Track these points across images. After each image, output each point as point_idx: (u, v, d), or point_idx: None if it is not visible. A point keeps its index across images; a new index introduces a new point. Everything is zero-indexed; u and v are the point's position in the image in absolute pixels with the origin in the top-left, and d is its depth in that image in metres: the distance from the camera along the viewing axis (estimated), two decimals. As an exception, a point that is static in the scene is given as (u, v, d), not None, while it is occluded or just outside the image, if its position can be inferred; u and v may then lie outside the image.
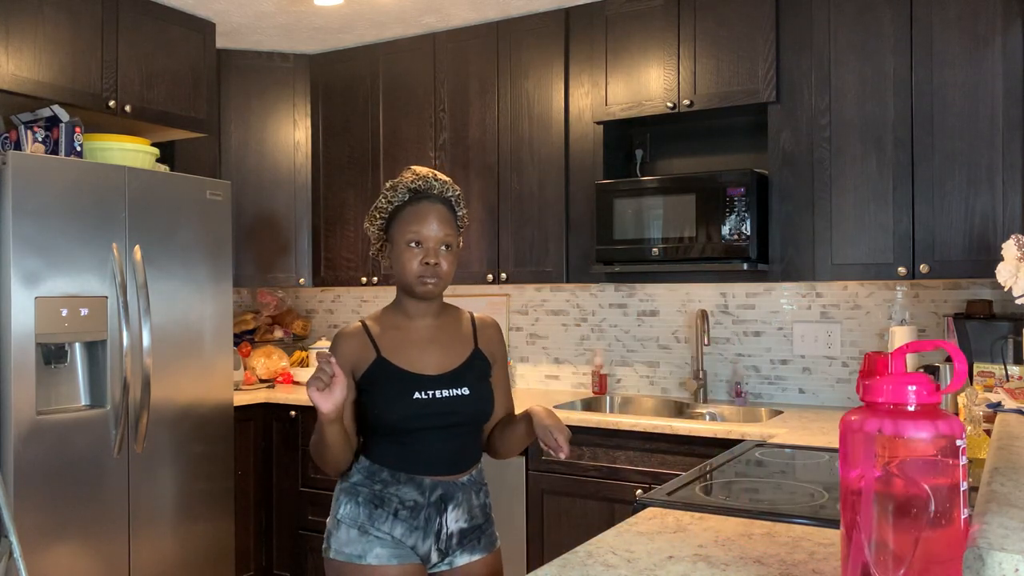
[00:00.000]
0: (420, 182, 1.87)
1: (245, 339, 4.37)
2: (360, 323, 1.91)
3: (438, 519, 1.84)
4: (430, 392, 1.83)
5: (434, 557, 1.85)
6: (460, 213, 1.93)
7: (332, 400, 1.68)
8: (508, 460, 3.23)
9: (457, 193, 1.92)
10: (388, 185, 1.90)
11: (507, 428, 1.96)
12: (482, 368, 1.93)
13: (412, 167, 1.92)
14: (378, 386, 1.84)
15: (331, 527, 1.87)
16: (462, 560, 1.88)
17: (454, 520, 1.85)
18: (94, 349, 3.03)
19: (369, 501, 1.83)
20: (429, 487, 1.83)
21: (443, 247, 1.85)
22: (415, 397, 1.82)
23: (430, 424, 1.82)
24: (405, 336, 1.89)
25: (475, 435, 1.92)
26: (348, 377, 1.86)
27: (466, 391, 1.86)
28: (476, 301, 4.09)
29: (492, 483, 3.20)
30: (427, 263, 1.83)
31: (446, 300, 2.02)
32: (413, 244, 1.83)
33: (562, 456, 1.78)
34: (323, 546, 1.88)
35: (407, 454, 1.83)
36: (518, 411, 2.00)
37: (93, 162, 3.03)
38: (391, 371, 1.84)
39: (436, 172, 1.91)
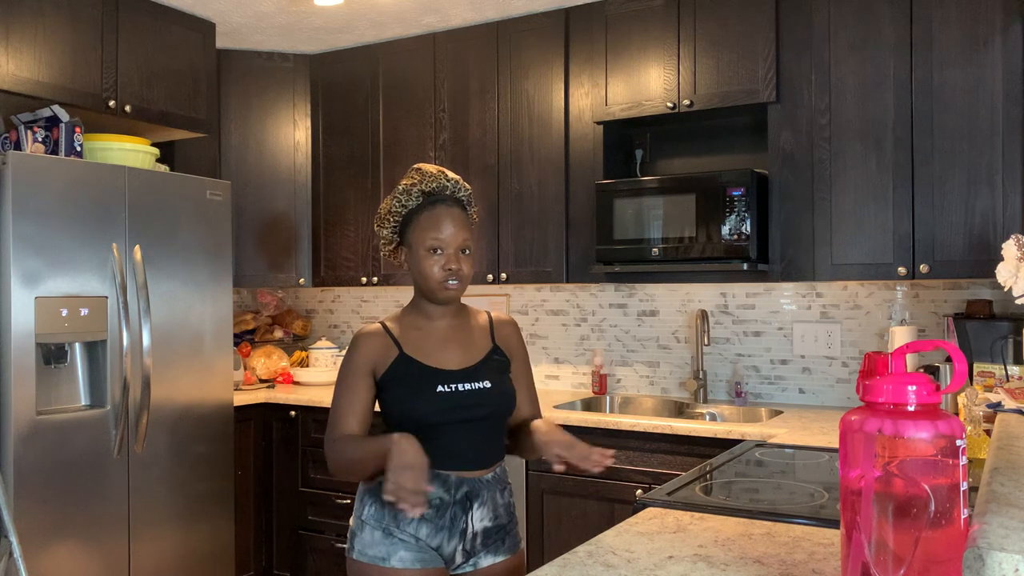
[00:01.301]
0: (433, 184, 1.88)
1: (245, 339, 4.37)
2: (379, 324, 1.93)
3: (464, 517, 1.83)
4: (452, 386, 1.84)
5: (459, 558, 1.84)
6: (471, 211, 1.96)
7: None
8: (508, 460, 3.22)
9: (468, 192, 1.94)
10: (400, 189, 1.89)
11: (526, 434, 1.93)
12: (501, 364, 1.95)
13: (419, 166, 1.91)
14: (401, 382, 1.85)
15: (355, 528, 1.87)
16: (486, 561, 1.87)
17: (479, 519, 1.85)
18: (94, 349, 3.03)
19: (388, 504, 1.82)
20: (455, 484, 1.83)
21: (463, 251, 1.87)
22: (438, 391, 1.83)
23: (454, 418, 1.83)
24: (425, 335, 1.91)
25: (498, 431, 1.92)
26: (369, 376, 1.87)
27: (487, 384, 1.87)
28: (476, 301, 4.09)
29: (492, 483, 3.21)
30: (449, 269, 1.84)
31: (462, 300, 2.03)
32: (434, 251, 1.85)
33: (559, 468, 1.76)
34: (347, 546, 1.88)
35: (432, 450, 1.82)
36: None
37: (93, 162, 3.03)
38: (413, 367, 1.86)
39: (444, 170, 1.91)
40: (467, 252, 1.88)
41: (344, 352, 4.38)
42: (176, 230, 3.28)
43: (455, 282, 1.85)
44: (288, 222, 4.20)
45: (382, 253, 1.98)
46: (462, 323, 1.96)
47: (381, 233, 1.94)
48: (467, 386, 1.86)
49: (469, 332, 1.95)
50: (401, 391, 1.84)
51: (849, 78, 3.00)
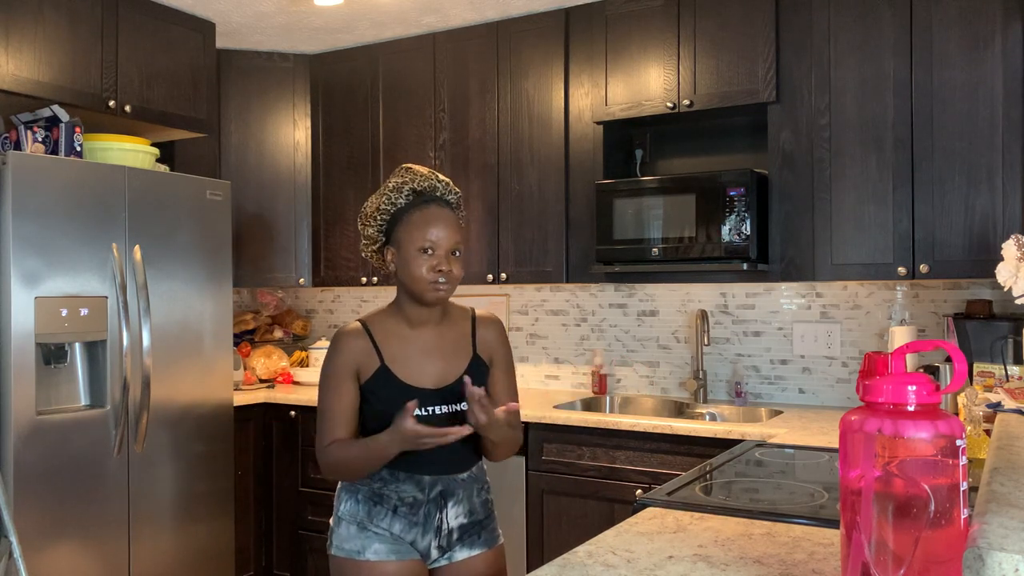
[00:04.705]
0: (424, 184, 1.84)
1: (245, 339, 4.37)
2: (360, 324, 1.87)
3: (438, 515, 1.84)
4: (429, 408, 1.82)
5: (434, 553, 1.85)
6: (461, 214, 1.92)
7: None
8: (508, 460, 3.22)
9: (458, 195, 1.90)
10: (391, 186, 1.85)
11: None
12: (481, 376, 1.91)
13: (408, 166, 1.87)
14: (379, 397, 1.83)
15: (333, 524, 1.88)
16: (461, 555, 1.87)
17: (454, 516, 1.86)
18: (94, 349, 3.03)
19: (368, 498, 1.84)
20: (428, 484, 1.84)
21: (453, 252, 1.83)
22: (415, 414, 1.80)
23: None
24: (406, 343, 1.86)
25: (475, 439, 1.91)
26: (353, 379, 1.84)
27: (464, 406, 1.83)
28: (476, 301, 4.09)
29: (492, 483, 3.20)
30: (440, 270, 1.80)
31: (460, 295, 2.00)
32: (425, 251, 1.80)
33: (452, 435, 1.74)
34: (327, 543, 1.89)
35: (406, 457, 1.83)
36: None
37: (93, 162, 3.03)
38: (393, 383, 1.83)
39: (435, 172, 1.88)
40: (458, 254, 1.84)
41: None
42: (176, 230, 3.28)
43: (444, 283, 1.81)
44: (288, 222, 4.20)
45: (364, 254, 1.92)
46: (444, 331, 1.90)
47: (366, 232, 1.88)
48: (444, 408, 1.83)
49: (451, 340, 1.90)
50: (379, 407, 1.82)
51: (849, 78, 3.00)
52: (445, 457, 1.85)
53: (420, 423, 1.74)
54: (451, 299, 2.01)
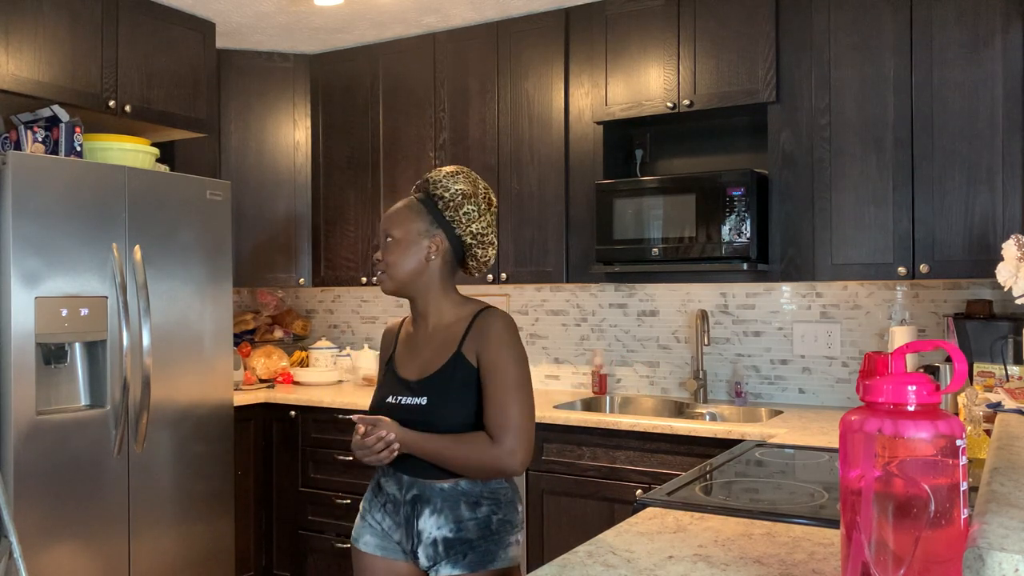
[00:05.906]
0: (419, 182, 1.95)
1: (245, 339, 4.37)
2: (401, 319, 2.03)
3: (414, 520, 1.81)
4: (398, 399, 1.85)
5: (423, 560, 1.81)
6: (450, 215, 1.87)
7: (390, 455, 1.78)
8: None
9: (444, 192, 1.87)
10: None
11: None
12: (463, 375, 1.80)
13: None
14: (382, 384, 1.95)
15: None
16: (444, 571, 1.78)
17: (435, 526, 1.78)
18: (94, 349, 3.03)
19: (372, 488, 1.92)
20: (406, 484, 1.83)
21: (387, 238, 1.88)
22: (387, 401, 1.86)
23: None
24: (412, 338, 1.95)
25: None
26: (383, 369, 1.99)
27: (423, 401, 1.80)
28: (476, 301, 4.09)
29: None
30: (374, 260, 1.91)
31: (468, 295, 1.99)
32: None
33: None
34: None
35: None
36: None
37: (93, 162, 3.03)
38: (388, 371, 1.94)
39: (442, 169, 1.93)
40: (390, 240, 1.87)
41: (344, 353, 4.39)
42: (176, 230, 3.28)
43: (379, 273, 1.89)
44: (288, 222, 4.20)
45: None
46: (439, 326, 1.89)
47: None
48: (408, 400, 1.83)
49: (442, 335, 1.87)
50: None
51: (849, 78, 3.00)
52: (410, 459, 1.80)
53: (386, 413, 1.85)
54: (474, 296, 2.05)
